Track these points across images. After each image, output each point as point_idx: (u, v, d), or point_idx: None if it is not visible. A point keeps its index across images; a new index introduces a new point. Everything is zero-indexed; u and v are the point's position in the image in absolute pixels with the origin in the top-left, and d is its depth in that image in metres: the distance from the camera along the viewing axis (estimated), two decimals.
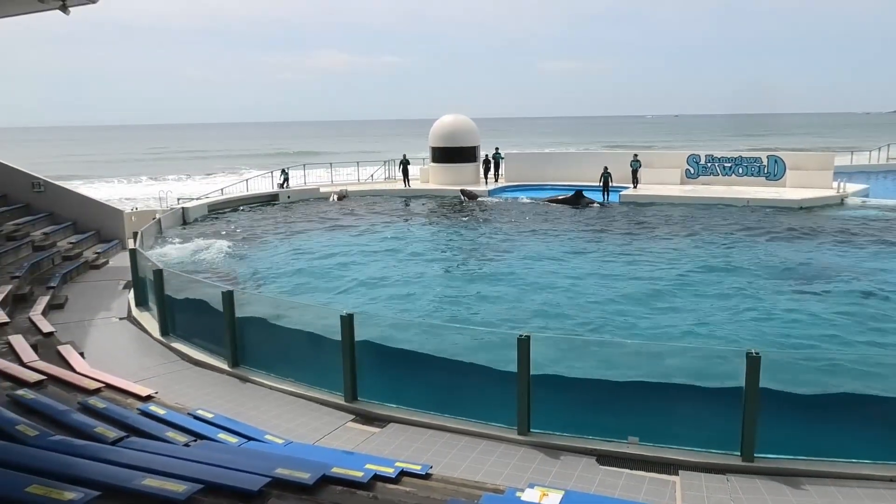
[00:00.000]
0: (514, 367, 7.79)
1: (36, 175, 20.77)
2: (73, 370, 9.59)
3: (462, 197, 29.38)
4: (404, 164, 32.51)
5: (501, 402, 8.05)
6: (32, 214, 19.79)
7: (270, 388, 9.66)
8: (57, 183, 21.40)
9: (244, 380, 10.02)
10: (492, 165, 33.08)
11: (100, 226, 20.85)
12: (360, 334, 8.89)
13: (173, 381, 9.94)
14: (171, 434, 6.57)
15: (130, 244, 16.03)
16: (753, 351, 7.07)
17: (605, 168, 28.60)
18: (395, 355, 9.51)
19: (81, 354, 10.74)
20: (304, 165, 34.49)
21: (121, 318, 13.43)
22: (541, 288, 15.09)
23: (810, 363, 8.90)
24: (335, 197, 30.09)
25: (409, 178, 32.64)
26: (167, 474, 4.52)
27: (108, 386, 8.86)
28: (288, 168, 32.99)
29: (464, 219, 25.12)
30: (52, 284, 15.05)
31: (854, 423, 7.68)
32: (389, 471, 5.56)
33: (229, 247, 20.19)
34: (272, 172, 32.77)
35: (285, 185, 32.01)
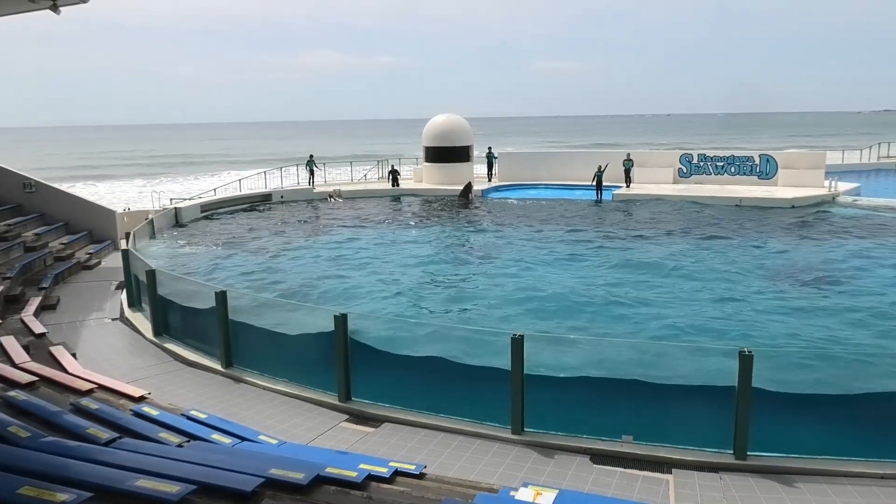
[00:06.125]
0: (507, 367, 7.81)
1: (27, 175, 20.66)
2: (65, 371, 9.56)
3: (461, 195, 29.30)
4: (393, 173, 32.49)
5: (495, 401, 8.06)
6: (24, 215, 19.70)
7: (264, 388, 9.64)
8: (48, 183, 21.30)
9: (237, 380, 10.00)
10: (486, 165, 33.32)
11: (92, 226, 20.75)
12: (353, 334, 8.90)
13: (166, 382, 9.91)
14: (164, 435, 6.55)
15: (123, 245, 15.97)
16: (746, 349, 7.11)
17: (599, 167, 28.67)
18: (389, 355, 9.51)
19: (74, 355, 10.71)
20: (297, 165, 34.41)
21: (113, 319, 13.38)
22: (534, 287, 15.10)
23: (802, 361, 8.93)
24: (337, 197, 30.15)
25: (399, 184, 32.56)
26: (160, 475, 4.51)
27: (101, 387, 8.84)
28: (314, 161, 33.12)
29: (457, 219, 25.12)
30: (44, 285, 14.98)
31: (846, 421, 7.73)
32: (383, 470, 5.56)
33: (222, 247, 20.13)
34: (265, 172, 32.68)
35: (312, 168, 32.62)
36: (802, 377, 8.32)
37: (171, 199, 28.34)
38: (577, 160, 33.30)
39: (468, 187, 29.56)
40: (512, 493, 5.23)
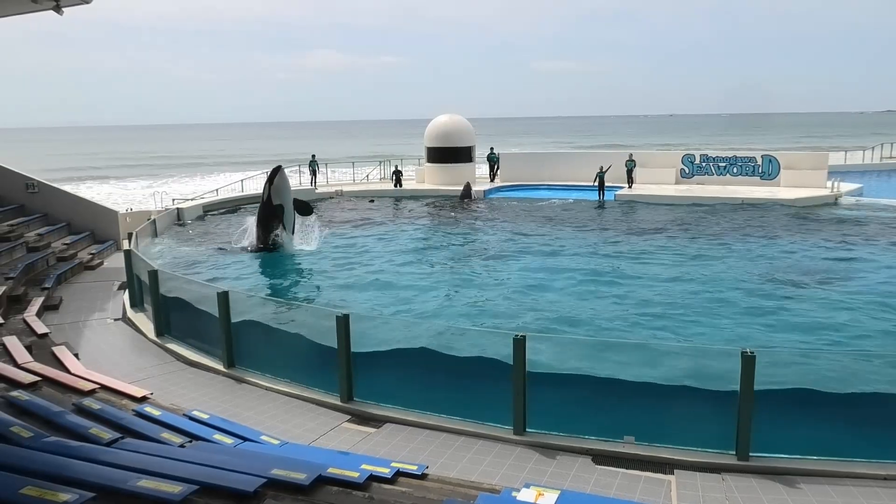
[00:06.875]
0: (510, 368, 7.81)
1: (30, 176, 20.70)
2: (67, 371, 9.58)
3: (462, 196, 29.28)
4: (396, 174, 32.52)
5: (497, 402, 8.06)
6: (26, 215, 19.73)
7: (266, 388, 9.65)
8: (51, 184, 21.34)
9: (239, 380, 10.00)
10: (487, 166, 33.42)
11: (94, 227, 20.78)
12: (354, 334, 8.90)
13: (168, 382, 9.92)
14: (166, 435, 6.56)
15: (125, 245, 16.00)
16: (748, 350, 7.10)
17: (601, 167, 28.64)
18: (391, 356, 9.50)
19: (76, 355, 10.73)
20: (299, 165, 34.43)
21: (115, 319, 13.39)
22: (536, 288, 15.10)
23: (805, 362, 8.92)
24: (339, 196, 30.28)
25: (402, 184, 32.57)
26: (162, 475, 4.51)
27: (103, 387, 8.86)
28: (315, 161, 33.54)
29: (459, 219, 25.12)
30: (47, 285, 15.01)
31: (848, 421, 7.71)
32: (385, 471, 5.56)
33: (224, 247, 20.14)
34: (266, 173, 32.70)
35: (314, 168, 33.08)
36: (805, 377, 8.31)
37: (173, 200, 28.37)
38: (580, 161, 33.26)
39: (468, 188, 29.54)
40: (514, 493, 5.22)
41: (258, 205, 20.05)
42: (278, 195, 19.04)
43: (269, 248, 19.03)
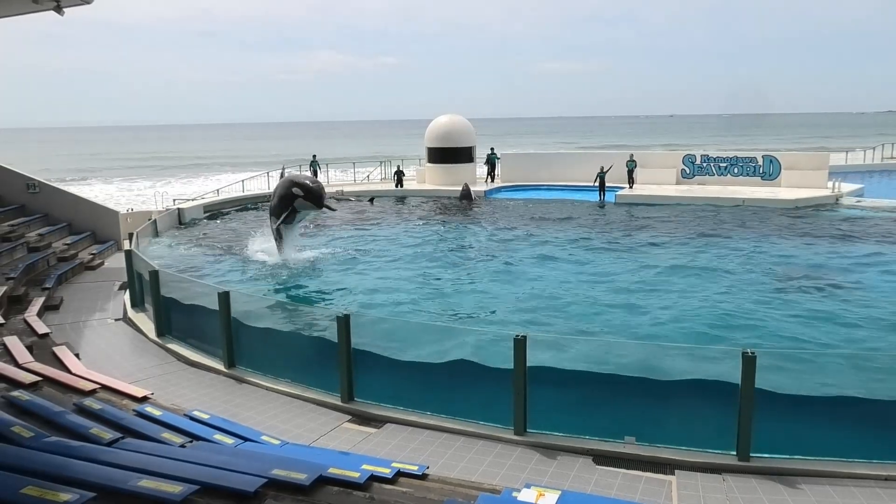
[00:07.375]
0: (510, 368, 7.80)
1: (31, 176, 20.71)
2: (68, 371, 9.59)
3: (461, 197, 29.24)
4: (398, 174, 32.54)
5: (498, 402, 8.06)
6: (27, 215, 19.75)
7: (266, 388, 9.66)
8: (52, 184, 21.36)
9: (240, 381, 10.01)
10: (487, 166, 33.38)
11: (95, 227, 20.80)
12: (355, 335, 8.90)
13: (169, 383, 9.92)
14: (166, 435, 6.56)
15: (126, 245, 16.01)
16: (749, 350, 7.10)
17: (602, 168, 28.61)
18: (392, 356, 9.50)
19: (77, 356, 10.74)
20: (300, 166, 34.45)
21: (116, 320, 13.40)
22: (537, 288, 15.09)
23: (805, 363, 8.92)
24: (339, 197, 30.15)
25: (403, 184, 32.59)
26: (163, 475, 4.52)
27: (104, 387, 8.87)
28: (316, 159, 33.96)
29: (460, 220, 25.12)
30: (48, 285, 15.03)
31: (849, 422, 7.70)
32: (386, 471, 5.56)
33: (225, 247, 20.14)
34: (268, 173, 32.72)
35: (315, 169, 33.29)
36: (805, 378, 8.31)
37: (174, 200, 28.38)
38: (580, 161, 33.24)
39: (466, 189, 29.48)
40: (514, 493, 5.22)
41: (270, 204, 19.54)
42: (302, 208, 18.45)
43: (279, 236, 18.56)
